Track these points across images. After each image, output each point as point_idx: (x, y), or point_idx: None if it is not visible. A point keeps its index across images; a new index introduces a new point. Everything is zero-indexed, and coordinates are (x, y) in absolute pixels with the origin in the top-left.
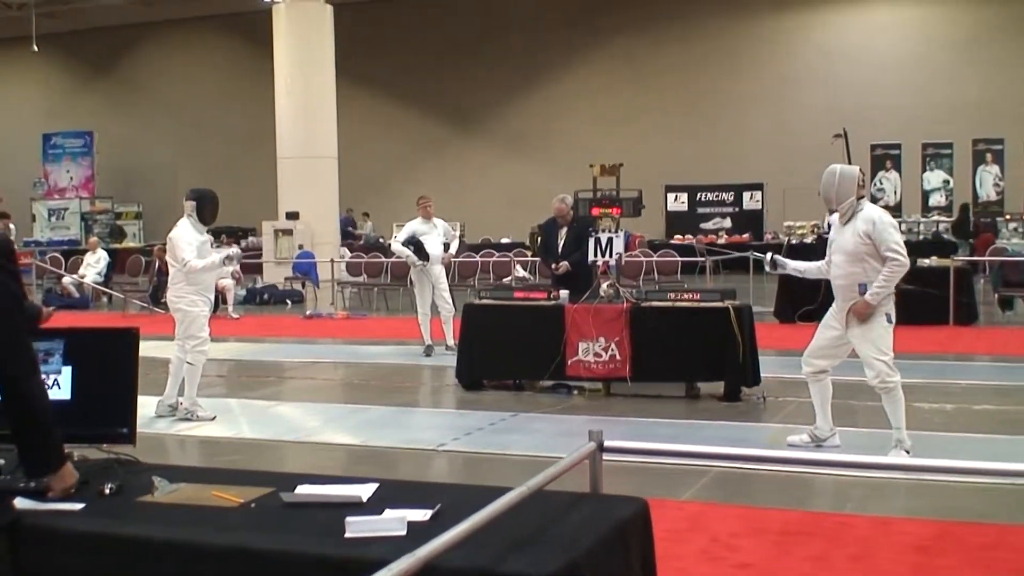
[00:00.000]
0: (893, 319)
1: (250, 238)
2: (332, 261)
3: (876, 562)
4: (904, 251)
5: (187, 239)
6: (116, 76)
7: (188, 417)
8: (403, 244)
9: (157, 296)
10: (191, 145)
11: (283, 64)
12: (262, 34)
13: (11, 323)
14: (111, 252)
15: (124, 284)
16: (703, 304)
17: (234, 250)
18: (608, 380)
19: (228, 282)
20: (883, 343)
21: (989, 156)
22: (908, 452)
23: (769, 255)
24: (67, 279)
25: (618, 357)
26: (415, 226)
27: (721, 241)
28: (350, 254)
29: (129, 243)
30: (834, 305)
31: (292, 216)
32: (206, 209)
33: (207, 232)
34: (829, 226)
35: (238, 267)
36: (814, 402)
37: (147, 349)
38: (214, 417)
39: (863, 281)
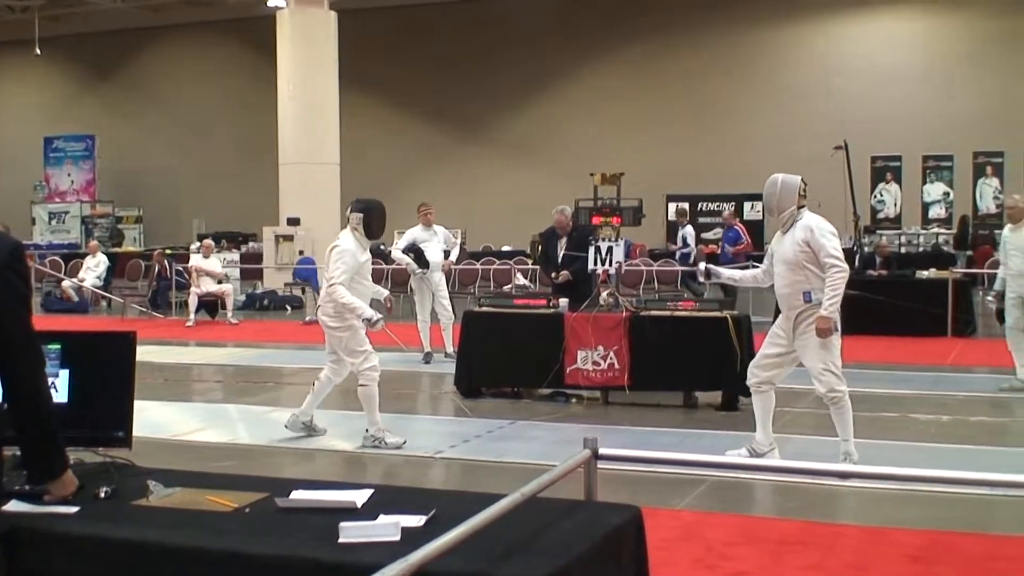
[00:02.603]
0: (839, 328)
1: (250, 243)
2: None
3: (871, 572)
4: (842, 257)
5: (346, 258)
6: (119, 80)
7: (376, 445)
8: (403, 251)
9: (156, 300)
10: (193, 150)
11: (286, 70)
12: (266, 40)
13: (22, 322)
14: (111, 256)
15: (123, 288)
16: (702, 313)
17: (379, 316)
18: (606, 389)
19: (227, 287)
20: (830, 354)
21: (989, 169)
22: (856, 463)
23: (702, 265)
24: (67, 283)
25: (616, 366)
26: (415, 233)
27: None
28: None
29: (129, 247)
30: (780, 316)
31: (293, 222)
32: (374, 222)
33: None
34: None
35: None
36: (756, 414)
37: (145, 354)
38: (404, 442)
39: (807, 289)
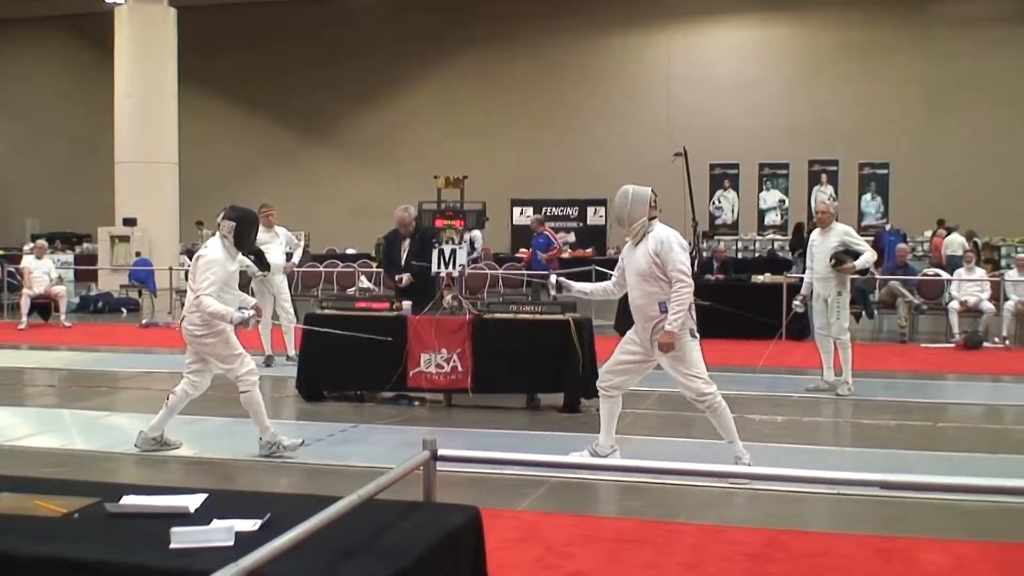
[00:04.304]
0: (696, 334)
1: (85, 244)
2: (170, 269)
3: (707, 569)
4: (689, 272)
5: (215, 269)
6: None
7: (273, 451)
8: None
9: None
10: (26, 148)
11: (123, 67)
12: (103, 36)
13: None
14: None
15: None
16: (544, 316)
17: (251, 313)
18: (450, 391)
19: (60, 288)
20: (692, 359)
21: (824, 176)
22: (748, 465)
23: (553, 277)
24: None
25: (460, 368)
26: (257, 235)
27: (565, 255)
28: (189, 262)
29: None
30: (635, 325)
31: (130, 222)
32: (245, 233)
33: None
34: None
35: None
36: (601, 417)
37: None
38: (302, 442)
39: (662, 299)
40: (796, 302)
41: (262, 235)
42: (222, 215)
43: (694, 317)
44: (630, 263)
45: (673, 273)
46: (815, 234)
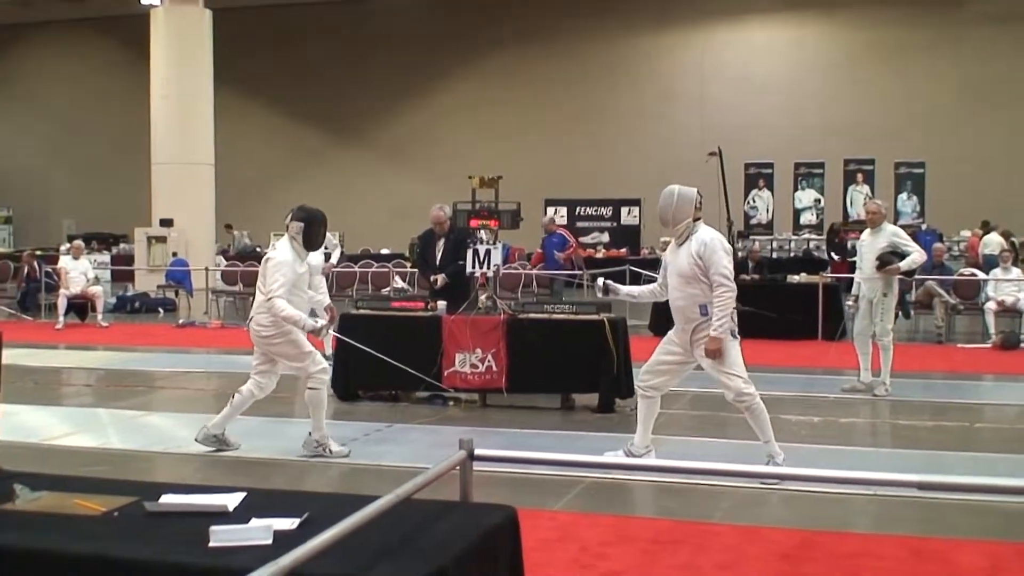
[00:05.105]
0: (737, 334)
1: (122, 245)
2: (207, 269)
3: (743, 569)
4: (732, 275)
5: (284, 271)
6: None
7: (319, 452)
8: None
9: (25, 303)
10: (64, 149)
11: (159, 69)
12: (139, 38)
13: None
14: None
15: None
16: (579, 316)
17: (323, 323)
18: (484, 391)
19: (96, 289)
20: (731, 359)
21: (860, 176)
22: (781, 465)
23: (600, 280)
24: None
25: (494, 368)
26: (325, 234)
27: (599, 255)
28: (225, 262)
29: None
30: (675, 326)
31: (166, 223)
32: (314, 234)
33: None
34: None
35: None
36: (638, 417)
37: (15, 357)
38: (349, 452)
39: (703, 302)
40: (849, 303)
41: None
42: (290, 216)
43: (735, 319)
44: (672, 264)
45: (715, 277)
46: (864, 234)
